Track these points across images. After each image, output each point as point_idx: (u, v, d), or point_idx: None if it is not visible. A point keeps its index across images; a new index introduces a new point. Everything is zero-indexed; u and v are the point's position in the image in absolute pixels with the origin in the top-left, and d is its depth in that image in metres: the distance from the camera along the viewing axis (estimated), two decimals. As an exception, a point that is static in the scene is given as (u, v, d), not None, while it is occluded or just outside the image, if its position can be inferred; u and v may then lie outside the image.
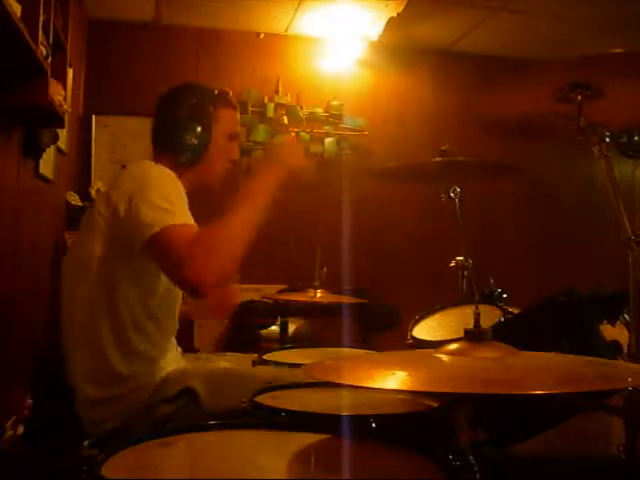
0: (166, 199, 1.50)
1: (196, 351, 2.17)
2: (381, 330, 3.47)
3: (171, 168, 1.68)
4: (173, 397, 1.58)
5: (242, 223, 1.50)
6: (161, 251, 1.45)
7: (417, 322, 2.05)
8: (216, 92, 1.83)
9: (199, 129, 1.74)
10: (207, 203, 1.63)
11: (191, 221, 1.53)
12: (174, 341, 1.81)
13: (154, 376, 1.64)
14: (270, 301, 3.01)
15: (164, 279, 1.59)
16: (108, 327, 1.59)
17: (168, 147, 1.76)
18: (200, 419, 1.34)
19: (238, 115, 1.90)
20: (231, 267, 1.50)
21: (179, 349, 1.84)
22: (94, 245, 1.59)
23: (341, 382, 0.98)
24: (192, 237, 1.44)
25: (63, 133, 3.00)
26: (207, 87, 1.84)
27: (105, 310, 1.59)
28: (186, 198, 1.61)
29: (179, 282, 1.47)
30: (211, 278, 1.42)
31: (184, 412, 1.54)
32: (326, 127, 4.42)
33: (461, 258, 2.26)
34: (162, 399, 1.59)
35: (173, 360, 1.75)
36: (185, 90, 1.81)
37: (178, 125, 1.74)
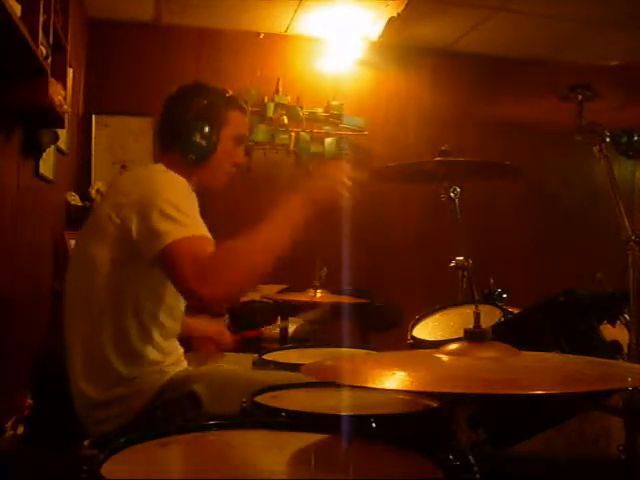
0: (178, 209, 1.49)
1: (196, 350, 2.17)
2: (383, 330, 3.47)
3: (177, 168, 1.67)
4: (175, 401, 1.58)
5: (262, 246, 1.48)
6: (171, 264, 1.44)
7: (417, 322, 2.05)
8: (226, 93, 1.82)
9: (208, 130, 1.73)
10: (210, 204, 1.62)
11: (203, 231, 1.51)
12: (176, 343, 1.81)
13: (156, 379, 1.63)
14: (270, 301, 3.01)
15: (171, 285, 1.58)
16: (111, 330, 1.59)
17: (176, 146, 1.74)
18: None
19: (247, 119, 1.88)
20: (244, 285, 1.49)
21: (181, 350, 1.84)
22: (102, 250, 1.58)
23: (341, 382, 0.98)
24: (204, 251, 1.44)
25: (63, 133, 3.00)
26: (219, 88, 1.83)
27: (109, 313, 1.59)
28: (197, 204, 1.60)
29: (187, 295, 1.47)
30: (219, 294, 1.42)
31: (186, 415, 1.54)
32: (326, 127, 4.42)
33: (461, 258, 2.26)
34: (164, 402, 1.59)
35: (175, 362, 1.75)
36: (197, 89, 1.80)
37: (188, 124, 1.72)
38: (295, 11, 4.02)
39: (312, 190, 1.56)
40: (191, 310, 1.87)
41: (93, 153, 4.05)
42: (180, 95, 1.79)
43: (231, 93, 1.83)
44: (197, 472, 1.00)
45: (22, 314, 2.59)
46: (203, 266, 1.40)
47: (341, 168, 1.63)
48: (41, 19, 2.00)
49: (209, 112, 1.74)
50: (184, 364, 1.80)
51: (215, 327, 2.12)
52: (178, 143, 1.74)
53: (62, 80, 2.58)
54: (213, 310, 1.95)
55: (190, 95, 1.78)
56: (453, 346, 1.01)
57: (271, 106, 4.31)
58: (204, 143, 1.73)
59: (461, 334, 1.02)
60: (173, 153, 1.74)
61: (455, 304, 2.13)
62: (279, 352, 2.04)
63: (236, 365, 1.96)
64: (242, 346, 2.23)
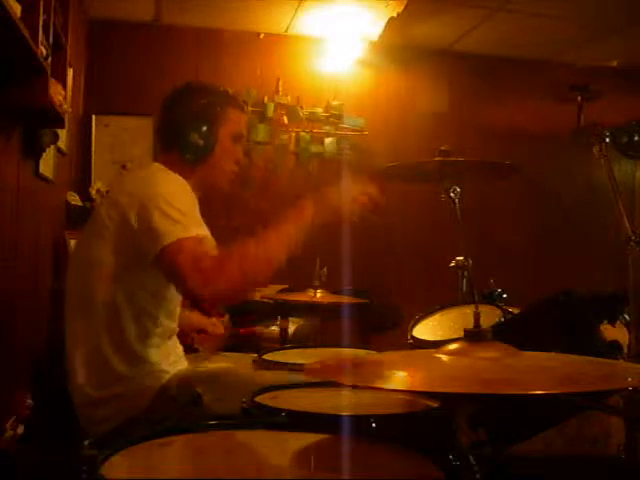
0: (178, 209, 1.50)
1: (196, 351, 2.17)
2: (383, 330, 3.47)
3: (178, 168, 1.68)
4: (176, 400, 1.58)
5: (266, 252, 1.50)
6: (171, 263, 1.45)
7: (417, 322, 2.05)
8: (224, 92, 1.83)
9: (207, 129, 1.74)
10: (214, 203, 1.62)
11: (203, 230, 1.52)
12: (176, 342, 1.81)
13: (156, 378, 1.64)
14: (270, 301, 3.01)
15: (170, 286, 1.59)
16: (111, 330, 1.60)
17: (175, 146, 1.76)
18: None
19: (245, 117, 1.90)
20: (244, 289, 1.51)
21: (180, 348, 1.84)
22: (103, 250, 1.59)
23: (341, 382, 0.98)
24: (203, 251, 1.45)
25: (63, 133, 3.00)
26: (216, 87, 1.85)
27: (109, 314, 1.60)
28: (197, 204, 1.61)
29: (187, 295, 1.49)
30: (218, 295, 1.43)
31: (186, 415, 1.54)
32: (326, 127, 4.42)
33: (461, 258, 2.26)
34: (165, 402, 1.59)
35: (175, 362, 1.75)
36: (194, 89, 1.81)
37: (186, 124, 1.74)
38: (295, 11, 4.02)
39: (322, 203, 1.58)
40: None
41: (93, 153, 4.05)
42: (178, 95, 1.80)
43: (229, 91, 1.84)
44: (197, 472, 1.00)
45: (22, 314, 2.59)
46: (203, 266, 1.41)
47: (356, 186, 1.64)
48: (41, 19, 2.00)
49: (207, 111, 1.75)
50: (184, 363, 1.80)
51: (208, 320, 2.13)
52: (177, 143, 1.75)
53: (62, 80, 2.58)
54: (213, 310, 1.95)
55: (188, 94, 1.79)
56: (453, 346, 1.01)
57: (271, 106, 4.31)
58: (202, 143, 1.74)
59: (461, 334, 1.02)
60: (173, 153, 1.76)
61: (455, 304, 2.13)
62: (279, 352, 2.04)
63: (236, 365, 1.96)
64: (239, 345, 2.23)
